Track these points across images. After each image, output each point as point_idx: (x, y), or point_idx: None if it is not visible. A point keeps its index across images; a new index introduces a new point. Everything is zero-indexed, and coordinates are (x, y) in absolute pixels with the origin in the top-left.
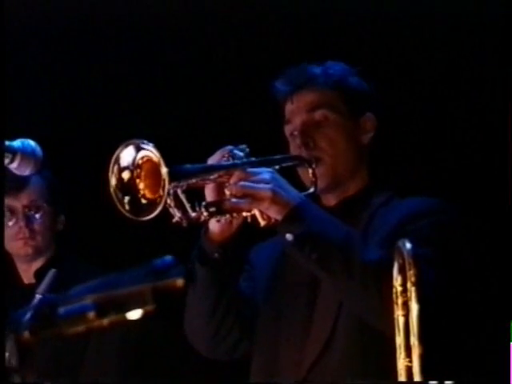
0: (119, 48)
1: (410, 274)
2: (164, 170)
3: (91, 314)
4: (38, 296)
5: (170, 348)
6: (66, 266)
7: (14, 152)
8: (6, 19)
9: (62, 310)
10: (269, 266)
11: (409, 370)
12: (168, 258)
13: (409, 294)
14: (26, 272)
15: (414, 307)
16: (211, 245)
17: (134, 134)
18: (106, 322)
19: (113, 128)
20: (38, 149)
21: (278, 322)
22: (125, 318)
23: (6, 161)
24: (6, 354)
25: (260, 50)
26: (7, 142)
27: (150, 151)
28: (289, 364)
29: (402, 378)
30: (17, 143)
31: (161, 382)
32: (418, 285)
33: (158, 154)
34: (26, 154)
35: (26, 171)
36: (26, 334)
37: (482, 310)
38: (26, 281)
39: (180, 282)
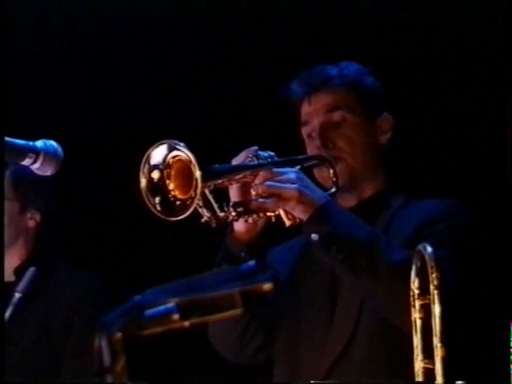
0: (133, 48)
1: (433, 277)
2: (197, 171)
3: (175, 317)
4: (17, 295)
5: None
6: (46, 264)
7: (37, 152)
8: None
9: (148, 311)
10: (287, 269)
11: (427, 371)
12: (252, 263)
13: (431, 296)
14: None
15: (437, 309)
16: (237, 245)
17: (148, 134)
18: (187, 324)
19: (126, 126)
20: (60, 149)
21: (299, 325)
22: (208, 320)
23: (29, 161)
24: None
25: (274, 52)
26: (30, 143)
27: (181, 151)
28: (310, 367)
29: (419, 379)
30: (39, 143)
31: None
32: (440, 288)
33: (190, 154)
34: (48, 154)
35: (48, 171)
36: (119, 334)
37: (482, 309)
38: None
39: (268, 286)
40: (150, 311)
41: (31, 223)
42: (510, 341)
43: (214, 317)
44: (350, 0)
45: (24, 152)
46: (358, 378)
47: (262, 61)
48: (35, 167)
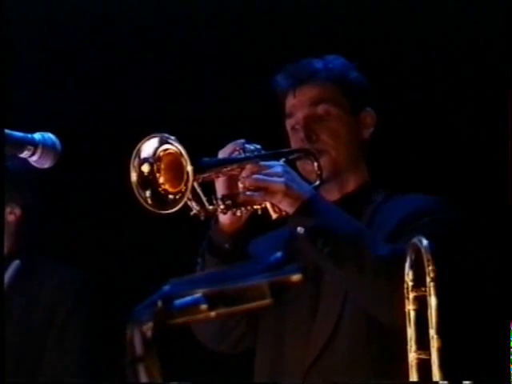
0: (127, 45)
1: (429, 269)
2: (188, 165)
3: (203, 307)
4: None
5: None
6: (27, 258)
7: (35, 145)
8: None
9: (177, 301)
10: None
11: (420, 362)
12: (279, 254)
13: (427, 289)
14: None
15: (433, 301)
16: (221, 236)
17: (136, 129)
18: (213, 314)
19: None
20: (58, 142)
21: (283, 318)
22: (235, 311)
23: (28, 153)
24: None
25: (260, 45)
26: (29, 135)
27: (172, 145)
28: (292, 359)
29: (412, 370)
30: (38, 136)
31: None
32: (436, 280)
33: (181, 148)
34: (46, 147)
35: (46, 164)
36: (150, 324)
37: (482, 309)
38: None
39: (297, 277)
40: (178, 301)
41: (11, 218)
42: (510, 341)
43: (241, 307)
44: None
45: (23, 144)
46: (341, 371)
47: (249, 53)
48: (33, 160)
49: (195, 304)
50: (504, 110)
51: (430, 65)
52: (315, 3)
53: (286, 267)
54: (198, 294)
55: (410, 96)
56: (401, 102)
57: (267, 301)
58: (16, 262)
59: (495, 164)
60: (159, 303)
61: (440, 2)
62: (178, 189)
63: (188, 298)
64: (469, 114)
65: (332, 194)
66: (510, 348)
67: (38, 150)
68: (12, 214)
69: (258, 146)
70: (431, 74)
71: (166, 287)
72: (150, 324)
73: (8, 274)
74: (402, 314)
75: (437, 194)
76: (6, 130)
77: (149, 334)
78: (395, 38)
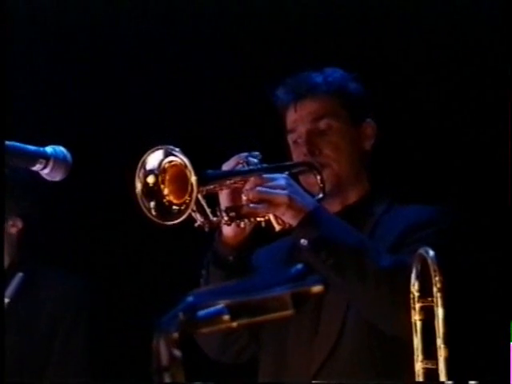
0: (132, 58)
1: (436, 280)
2: (193, 176)
3: (226, 317)
4: (6, 300)
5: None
6: (29, 269)
7: (47, 158)
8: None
9: (200, 312)
10: None
11: (427, 372)
12: (300, 265)
13: (435, 299)
14: None
15: (440, 312)
16: (225, 248)
17: (141, 141)
18: (235, 324)
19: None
20: (69, 155)
21: (285, 326)
22: (258, 321)
23: (40, 166)
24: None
25: (261, 57)
26: (41, 148)
27: (177, 157)
28: (296, 368)
29: (419, 380)
30: (49, 149)
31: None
32: (443, 290)
33: (186, 160)
34: (58, 160)
35: (57, 177)
36: (176, 334)
37: (482, 309)
38: None
39: (319, 288)
40: (201, 312)
41: (13, 230)
42: (510, 341)
43: (263, 318)
44: (335, 5)
45: (35, 157)
46: (344, 379)
47: (251, 67)
48: (45, 172)
49: (218, 314)
50: (504, 110)
51: (431, 74)
52: (315, 13)
53: (308, 278)
54: (220, 305)
55: (409, 104)
56: (401, 111)
57: (289, 311)
58: (19, 275)
59: (497, 172)
60: (183, 315)
61: (439, 7)
62: (183, 200)
63: (211, 309)
64: (468, 116)
65: (334, 206)
66: (510, 348)
67: (50, 164)
68: (14, 226)
69: (257, 153)
70: (432, 83)
71: (190, 298)
72: (175, 334)
73: (11, 288)
74: (405, 325)
75: (438, 196)
76: (19, 144)
77: (174, 344)
78: (395, 47)
